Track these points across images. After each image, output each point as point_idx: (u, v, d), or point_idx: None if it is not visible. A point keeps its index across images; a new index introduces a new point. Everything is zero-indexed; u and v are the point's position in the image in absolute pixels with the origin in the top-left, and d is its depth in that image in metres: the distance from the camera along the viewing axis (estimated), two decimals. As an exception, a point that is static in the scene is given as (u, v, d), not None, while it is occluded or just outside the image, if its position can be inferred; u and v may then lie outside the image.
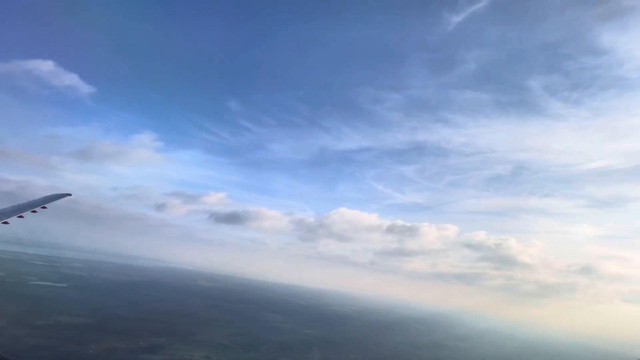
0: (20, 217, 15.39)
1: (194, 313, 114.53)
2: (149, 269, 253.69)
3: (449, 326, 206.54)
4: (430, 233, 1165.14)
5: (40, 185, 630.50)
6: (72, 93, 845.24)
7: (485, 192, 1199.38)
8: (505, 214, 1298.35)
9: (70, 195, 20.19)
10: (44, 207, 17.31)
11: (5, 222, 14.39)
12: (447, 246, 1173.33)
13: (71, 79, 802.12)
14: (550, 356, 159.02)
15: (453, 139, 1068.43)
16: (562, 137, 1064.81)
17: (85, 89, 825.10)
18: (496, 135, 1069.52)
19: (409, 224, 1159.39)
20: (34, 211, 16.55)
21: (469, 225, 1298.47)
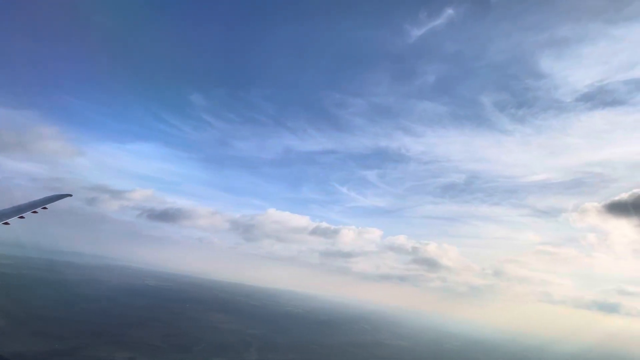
0: (21, 217, 15.50)
1: (131, 313, 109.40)
2: (89, 267, 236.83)
3: (394, 325, 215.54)
4: (349, 235, 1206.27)
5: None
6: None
7: (441, 198, 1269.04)
8: (459, 220, 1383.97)
9: (70, 195, 20.04)
10: (45, 208, 17.38)
11: (6, 223, 14.54)
12: (379, 249, 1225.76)
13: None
14: (484, 351, 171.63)
15: (413, 147, 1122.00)
16: (510, 150, 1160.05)
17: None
18: (452, 145, 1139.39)
19: (332, 227, 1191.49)
20: (35, 212, 16.61)
21: (427, 230, 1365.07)
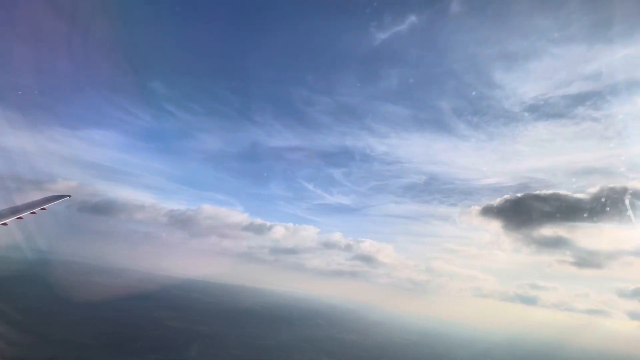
0: (20, 218, 15.21)
1: (64, 311, 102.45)
2: (24, 261, 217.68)
3: (347, 320, 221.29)
4: (281, 232, 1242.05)
5: None
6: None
7: (403, 198, 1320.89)
8: (419, 219, 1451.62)
9: (69, 196, 19.68)
10: (43, 209, 17.11)
11: (4, 224, 14.22)
12: (316, 245, 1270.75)
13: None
14: (429, 343, 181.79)
15: (377, 147, 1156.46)
16: (466, 154, 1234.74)
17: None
18: (413, 147, 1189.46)
19: (268, 224, 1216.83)
20: (33, 212, 16.36)
21: (390, 228, 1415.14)
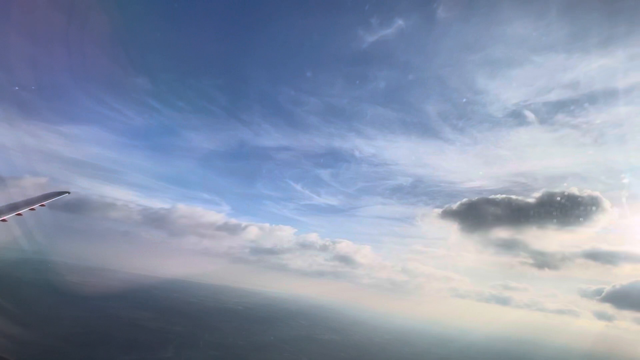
0: (19, 214, 15.06)
1: (35, 311, 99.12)
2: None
3: (330, 320, 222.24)
4: (254, 232, 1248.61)
5: None
6: None
7: (390, 199, 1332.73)
8: (405, 221, 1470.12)
9: (68, 193, 19.77)
10: (43, 205, 17.12)
11: (4, 220, 14.06)
12: (292, 246, 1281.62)
13: None
14: (410, 342, 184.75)
15: (364, 149, 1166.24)
16: (451, 158, 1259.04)
17: None
18: (400, 150, 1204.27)
19: (244, 224, 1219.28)
20: (32, 209, 16.30)
21: (376, 229, 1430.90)
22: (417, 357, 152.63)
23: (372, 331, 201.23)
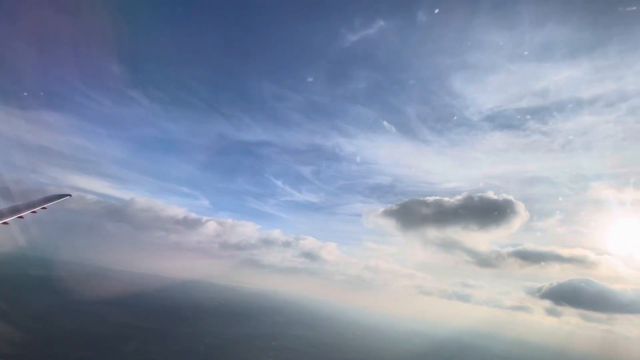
0: (20, 217, 15.10)
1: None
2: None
3: (304, 315, 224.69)
4: (211, 227, 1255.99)
5: None
6: None
7: (369, 198, 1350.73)
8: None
9: (70, 195, 19.67)
10: (44, 208, 17.12)
11: (5, 223, 14.10)
12: (256, 242, 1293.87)
13: None
14: (380, 338, 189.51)
15: (345, 147, 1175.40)
16: (429, 159, 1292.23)
17: None
18: (380, 150, 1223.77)
19: (204, 218, 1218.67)
20: (34, 212, 16.34)
21: (356, 227, 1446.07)
22: (387, 352, 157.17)
23: (344, 327, 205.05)
